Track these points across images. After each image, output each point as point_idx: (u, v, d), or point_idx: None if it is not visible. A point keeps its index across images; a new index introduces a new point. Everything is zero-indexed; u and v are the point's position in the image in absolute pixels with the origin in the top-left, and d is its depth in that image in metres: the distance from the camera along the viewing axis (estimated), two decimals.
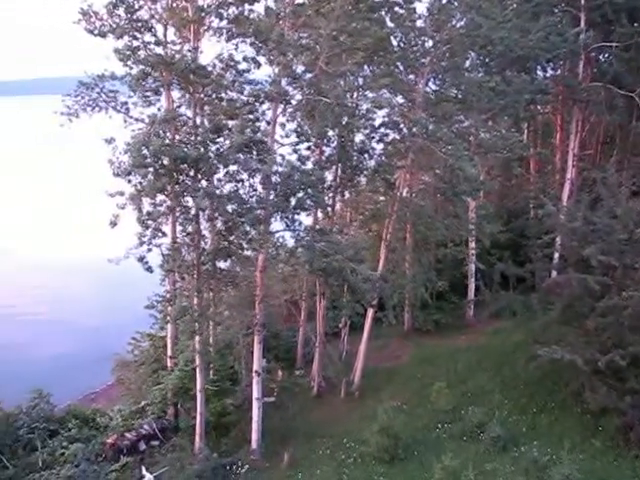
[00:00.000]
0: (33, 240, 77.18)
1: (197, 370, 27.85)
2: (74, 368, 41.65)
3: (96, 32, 25.07)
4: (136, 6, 25.06)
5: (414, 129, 29.94)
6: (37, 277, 63.41)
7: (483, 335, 38.72)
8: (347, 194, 35.81)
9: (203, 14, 25.41)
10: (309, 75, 27.71)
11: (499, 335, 37.81)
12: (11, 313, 54.14)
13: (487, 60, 35.67)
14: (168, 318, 28.48)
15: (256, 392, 28.08)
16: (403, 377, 34.81)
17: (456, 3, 31.14)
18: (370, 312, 33.16)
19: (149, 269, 24.18)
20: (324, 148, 32.40)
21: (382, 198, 36.82)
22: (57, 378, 37.96)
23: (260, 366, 28.21)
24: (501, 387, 31.33)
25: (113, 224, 23.23)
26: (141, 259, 23.81)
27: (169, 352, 31.30)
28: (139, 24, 24.82)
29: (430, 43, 31.35)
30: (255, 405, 28.08)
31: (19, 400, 31.62)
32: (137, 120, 25.25)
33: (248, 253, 26.38)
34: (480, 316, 41.00)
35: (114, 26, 24.76)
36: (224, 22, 26.07)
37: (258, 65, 26.40)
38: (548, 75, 42.01)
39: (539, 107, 44.53)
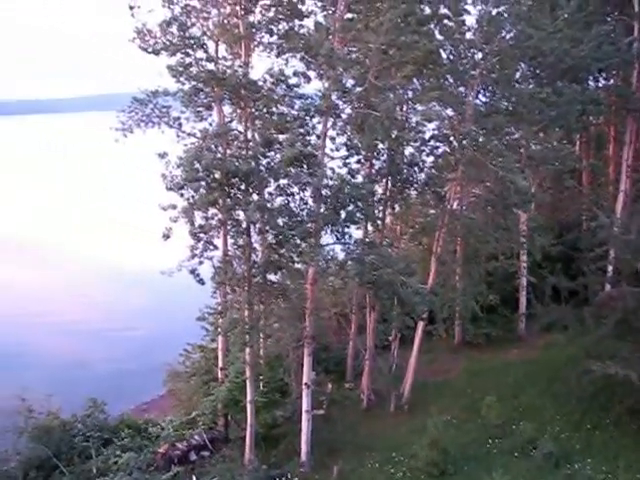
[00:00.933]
0: (90, 250, 79.62)
1: (247, 382, 28.02)
2: (127, 378, 42.51)
3: (150, 50, 25.62)
4: (189, 24, 25.55)
5: (464, 142, 29.78)
6: (93, 288, 65.25)
7: (534, 349, 38.19)
8: (397, 207, 35.71)
9: (254, 30, 25.83)
10: (359, 89, 27.75)
11: (551, 349, 37.23)
12: (66, 321, 55.58)
13: (538, 71, 35.25)
14: (219, 330, 28.74)
15: (306, 404, 28.12)
16: (453, 391, 34.49)
17: (506, 14, 30.93)
18: (420, 325, 32.97)
19: (201, 281, 24.51)
20: (374, 161, 32.43)
21: (432, 211, 36.64)
22: (111, 387, 38.77)
23: (310, 378, 28.25)
24: (553, 402, 30.82)
25: (166, 237, 23.65)
26: (193, 271, 24.17)
27: (220, 364, 31.57)
28: (191, 41, 25.22)
29: (480, 55, 31.18)
30: (304, 417, 28.11)
31: (75, 408, 32.37)
32: (189, 135, 25.65)
33: (298, 266, 26.51)
34: (531, 330, 40.39)
35: (167, 44, 25.24)
36: (274, 38, 26.53)
37: (308, 79, 26.69)
38: (600, 85, 41.45)
39: (591, 118, 43.84)
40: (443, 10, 30.03)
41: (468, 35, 30.97)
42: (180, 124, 25.65)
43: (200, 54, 25.37)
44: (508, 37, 31.06)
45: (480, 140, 29.85)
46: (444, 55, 31.25)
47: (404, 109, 32.42)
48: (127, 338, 50.96)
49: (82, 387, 38.14)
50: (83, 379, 42.26)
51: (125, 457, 29.36)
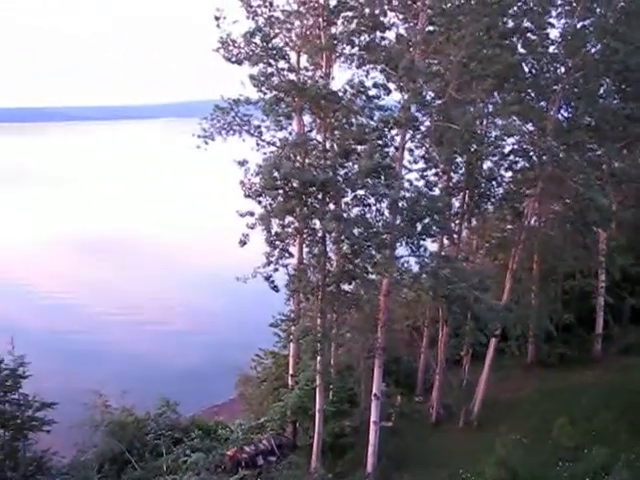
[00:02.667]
0: (170, 253, 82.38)
1: (317, 390, 28.20)
2: (200, 380, 43.45)
3: (233, 59, 26.15)
4: (272, 34, 25.94)
5: (544, 157, 29.33)
6: (177, 290, 67.52)
7: (610, 371, 37.02)
8: (474, 221, 35.33)
9: (335, 42, 25.99)
10: (438, 102, 27.73)
11: (628, 372, 36.02)
12: (147, 321, 57.88)
13: (623, 86, 34.35)
14: (291, 337, 29.03)
15: (374, 416, 28.05)
16: (524, 410, 33.76)
17: (591, 28, 30.29)
18: (493, 342, 32.51)
19: (275, 288, 24.85)
20: (452, 174, 32.21)
21: (509, 226, 36.13)
22: (184, 388, 39.72)
23: (379, 390, 28.18)
24: (628, 428, 29.70)
25: (242, 243, 24.08)
26: (268, 278, 24.52)
27: (290, 370, 31.90)
28: (274, 52, 25.57)
29: (563, 69, 30.69)
30: (372, 429, 28.03)
31: (148, 406, 33.31)
32: (269, 143, 26.02)
33: (372, 277, 26.47)
34: (608, 352, 39.34)
35: (250, 54, 25.71)
36: (355, 49, 26.58)
37: (388, 91, 26.59)
38: None
39: None
40: (526, 23, 29.55)
41: (551, 49, 30.47)
42: (260, 132, 26.00)
43: (282, 64, 25.72)
44: (593, 51, 30.42)
45: (561, 156, 29.27)
46: (526, 69, 30.75)
47: (484, 123, 32.06)
48: (203, 341, 52.24)
49: (156, 386, 39.25)
50: (158, 378, 43.58)
51: (194, 457, 30.02)
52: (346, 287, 27.17)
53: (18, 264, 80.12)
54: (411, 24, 28.55)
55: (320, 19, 25.77)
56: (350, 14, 25.82)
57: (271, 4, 25.69)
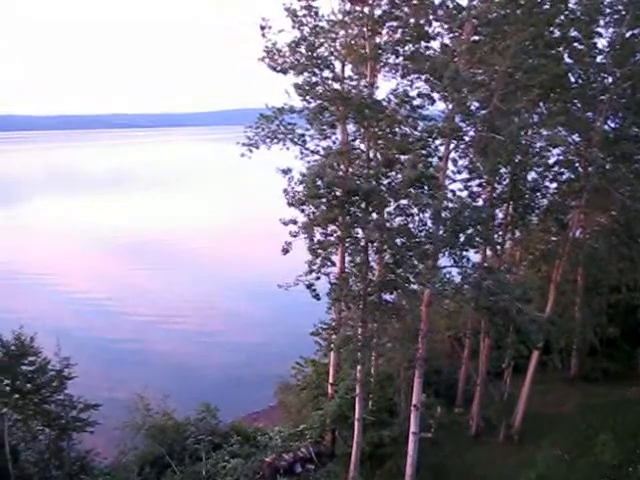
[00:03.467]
0: (218, 258, 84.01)
1: (357, 399, 28.16)
2: (241, 386, 43.74)
3: (279, 69, 26.34)
4: (316, 44, 26.08)
5: (590, 168, 28.92)
6: (217, 296, 68.38)
7: None
8: (517, 232, 34.93)
9: (380, 51, 26.03)
10: (483, 112, 27.53)
11: None
12: (191, 327, 58.72)
13: None
14: (332, 346, 29.03)
15: (413, 426, 27.90)
16: (566, 425, 33.30)
17: None
18: (535, 355, 32.13)
19: (317, 297, 24.87)
20: (496, 185, 31.85)
21: (553, 238, 35.58)
22: (224, 394, 40.08)
23: (419, 400, 28.01)
24: None
25: (285, 251, 24.23)
26: (309, 286, 24.57)
27: (330, 379, 31.89)
28: (319, 61, 25.71)
29: (610, 79, 30.22)
30: (411, 439, 27.88)
31: (188, 411, 33.64)
32: (313, 152, 26.14)
33: (414, 287, 26.35)
34: None
35: (295, 63, 25.88)
36: (400, 59, 26.60)
37: (432, 101, 26.52)
38: None
39: None
40: (573, 33, 29.26)
41: (599, 58, 30.08)
42: (304, 141, 26.12)
43: (327, 73, 25.82)
44: None
45: (607, 167, 28.83)
46: (572, 79, 30.45)
47: (529, 133, 31.69)
48: (245, 347, 52.67)
49: (197, 391, 39.79)
50: (198, 383, 44.09)
51: (233, 463, 30.23)
52: (387, 297, 27.11)
53: (68, 267, 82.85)
54: (456, 34, 28.39)
55: (365, 29, 25.80)
56: (395, 24, 25.88)
57: (316, 14, 25.73)
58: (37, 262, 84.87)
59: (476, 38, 28.31)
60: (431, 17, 26.50)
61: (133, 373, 45.09)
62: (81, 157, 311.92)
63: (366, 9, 25.14)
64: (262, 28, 25.65)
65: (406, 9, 25.53)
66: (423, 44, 26.33)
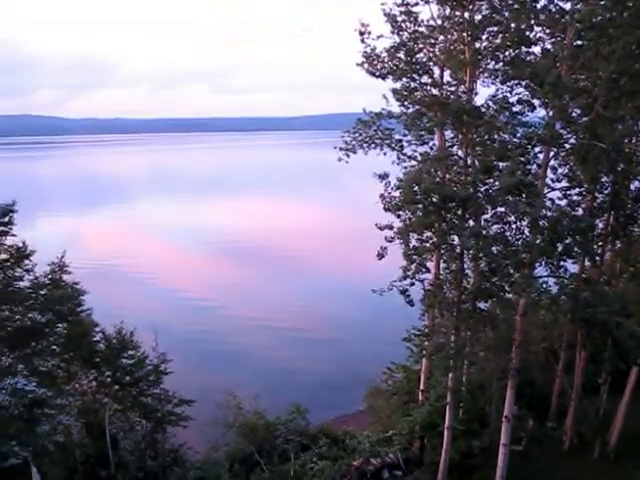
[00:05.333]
0: (313, 260, 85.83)
1: (447, 407, 27.88)
2: (330, 388, 44.14)
3: (377, 74, 26.46)
4: (416, 49, 26.11)
5: None
6: (311, 298, 69.60)
7: None
8: (618, 243, 33.75)
9: (480, 57, 25.71)
10: (585, 119, 26.82)
11: None
12: (284, 328, 59.62)
13: None
14: (424, 352, 28.90)
15: (504, 438, 27.41)
16: None
17: None
18: (634, 371, 30.92)
19: (410, 303, 24.86)
20: (596, 194, 30.97)
21: None
22: (314, 396, 40.47)
23: (511, 412, 27.49)
24: None
25: (380, 256, 24.32)
26: (403, 292, 24.54)
27: (421, 386, 31.73)
28: (417, 66, 25.74)
29: None
30: (501, 451, 27.42)
31: (278, 411, 34.19)
32: (410, 158, 26.14)
33: (509, 296, 25.93)
34: None
35: (394, 68, 25.96)
36: (500, 64, 26.19)
37: (532, 108, 26.07)
38: None
39: None
40: None
41: None
42: (402, 147, 26.15)
43: (425, 79, 25.87)
44: None
45: None
46: None
47: (633, 141, 30.66)
48: (337, 350, 53.20)
49: (287, 391, 40.39)
50: (290, 384, 44.74)
51: (321, 465, 30.47)
52: (482, 305, 26.76)
53: (170, 265, 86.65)
54: (558, 38, 27.80)
55: (465, 34, 25.54)
56: (495, 29, 25.47)
57: (416, 19, 25.72)
58: (142, 259, 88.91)
59: (579, 42, 27.61)
60: (532, 21, 26.01)
61: (226, 371, 46.24)
62: (182, 159, 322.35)
63: (466, 14, 24.89)
64: (361, 34, 25.83)
65: (507, 14, 25.05)
66: (524, 49, 25.77)
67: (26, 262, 28.38)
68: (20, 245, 28.14)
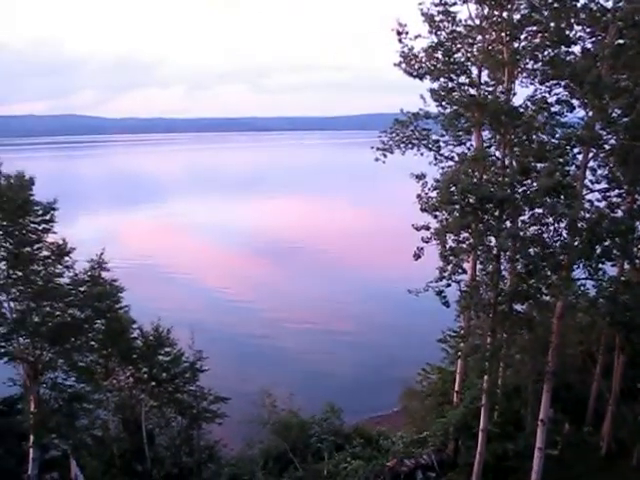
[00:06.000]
0: (350, 261, 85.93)
1: (482, 409, 27.70)
2: (364, 389, 44.20)
3: (415, 74, 26.39)
4: (454, 49, 26.00)
5: None
6: (347, 299, 69.53)
7: None
8: None
9: (518, 57, 25.52)
10: (625, 119, 26.44)
11: None
12: (320, 328, 60.00)
13: None
14: (459, 354, 28.74)
15: (539, 442, 27.16)
16: None
17: None
18: None
19: (446, 304, 24.75)
20: (636, 196, 30.50)
21: None
22: (348, 396, 40.51)
23: (546, 415, 27.26)
24: None
25: (417, 256, 24.28)
26: (439, 293, 24.48)
27: (456, 387, 31.55)
28: (455, 66, 25.63)
29: None
30: (537, 455, 27.15)
31: (312, 410, 34.31)
32: (447, 158, 26.06)
33: (547, 298, 25.71)
34: None
35: (432, 68, 25.87)
36: (539, 64, 25.96)
37: (572, 108, 25.81)
38: None
39: None
40: None
41: None
42: (439, 147, 26.12)
43: (463, 79, 25.69)
44: None
45: None
46: None
47: None
48: (371, 351, 53.18)
49: (322, 391, 40.50)
50: (324, 384, 44.95)
51: (354, 465, 30.48)
52: (518, 307, 26.55)
53: (206, 263, 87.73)
54: (599, 37, 27.45)
55: (503, 34, 25.38)
56: (534, 28, 25.27)
57: (454, 19, 25.64)
58: (180, 258, 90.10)
59: (621, 41, 27.21)
60: (572, 20, 25.71)
61: (261, 370, 46.61)
62: (220, 159, 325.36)
63: (505, 13, 24.73)
64: (398, 33, 25.81)
65: (546, 13, 24.81)
66: (563, 48, 25.55)
67: (66, 259, 28.76)
68: (61, 242, 28.57)
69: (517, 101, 25.32)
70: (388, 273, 72.22)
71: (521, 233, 24.45)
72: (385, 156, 26.51)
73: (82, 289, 29.18)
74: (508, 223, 24.63)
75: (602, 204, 26.91)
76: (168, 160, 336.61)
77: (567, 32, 25.47)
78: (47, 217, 28.22)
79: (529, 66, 26.25)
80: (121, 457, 31.69)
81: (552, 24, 24.89)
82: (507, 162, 25.31)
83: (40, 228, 28.18)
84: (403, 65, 26.61)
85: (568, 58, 25.74)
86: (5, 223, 27.53)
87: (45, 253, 28.44)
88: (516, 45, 25.46)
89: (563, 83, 26.09)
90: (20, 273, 27.87)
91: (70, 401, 29.12)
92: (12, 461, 21.22)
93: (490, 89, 26.64)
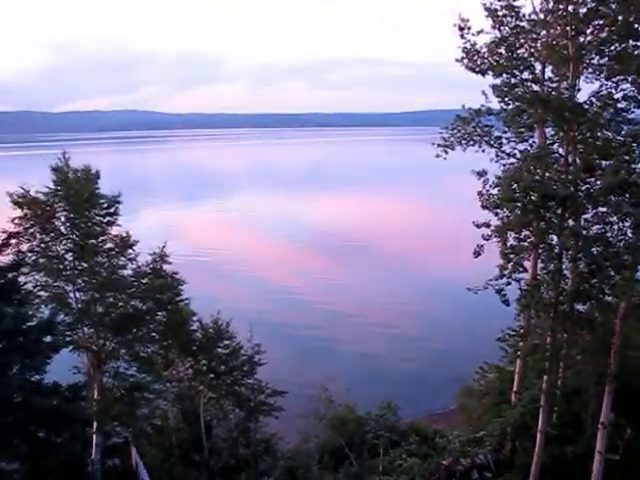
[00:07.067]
0: (410, 257, 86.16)
1: (541, 410, 27.26)
2: (420, 386, 44.08)
3: (477, 70, 26.09)
4: (517, 44, 25.63)
5: None
6: (405, 295, 69.48)
7: None
8: None
9: (583, 52, 25.01)
10: None
11: None
12: (379, 325, 59.86)
13: None
14: (518, 353, 28.37)
15: (599, 445, 26.58)
16: None
17: None
18: None
19: (506, 302, 24.50)
20: None
21: None
22: (404, 392, 40.38)
23: (607, 419, 26.64)
24: None
25: (477, 254, 24.07)
26: (499, 291, 24.22)
27: (514, 387, 31.11)
28: (518, 62, 25.25)
29: None
30: (597, 459, 26.59)
31: (368, 406, 34.37)
32: (509, 155, 25.71)
33: (609, 299, 25.17)
34: None
35: (494, 64, 25.55)
36: (605, 59, 25.41)
37: (639, 104, 25.18)
38: None
39: None
40: None
41: None
42: (501, 144, 25.75)
43: (526, 75, 25.30)
44: None
45: None
46: None
47: None
48: (429, 348, 52.97)
49: (378, 387, 40.53)
50: (381, 380, 44.93)
51: (410, 462, 30.42)
52: (580, 307, 26.06)
53: (267, 258, 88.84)
54: None
55: (568, 28, 24.89)
56: (601, 22, 24.70)
57: (517, 13, 25.25)
58: (239, 252, 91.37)
59: None
60: None
61: (318, 364, 46.95)
62: (282, 154, 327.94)
63: (570, 7, 24.25)
64: (460, 29, 25.56)
65: (614, 6, 24.23)
66: (631, 43, 24.84)
67: (129, 251, 29.41)
68: (124, 235, 29.24)
69: (582, 97, 24.81)
70: (447, 271, 71.79)
71: (584, 232, 23.95)
72: (446, 152, 26.26)
73: (144, 281, 29.77)
74: (571, 221, 24.14)
75: None
76: (230, 155, 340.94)
77: (636, 25, 24.82)
78: (112, 210, 28.88)
79: (595, 61, 25.65)
80: (179, 447, 32.34)
81: (620, 17, 24.31)
82: (570, 159, 24.82)
83: (105, 221, 28.85)
84: (465, 61, 26.24)
85: (636, 52, 25.05)
86: (72, 216, 28.34)
87: (109, 245, 29.12)
88: (582, 40, 24.92)
89: (630, 78, 25.32)
90: (85, 264, 28.59)
91: (131, 390, 29.77)
92: (78, 446, 21.94)
93: (554, 85, 26.05)
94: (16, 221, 27.71)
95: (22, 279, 23.48)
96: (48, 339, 20.93)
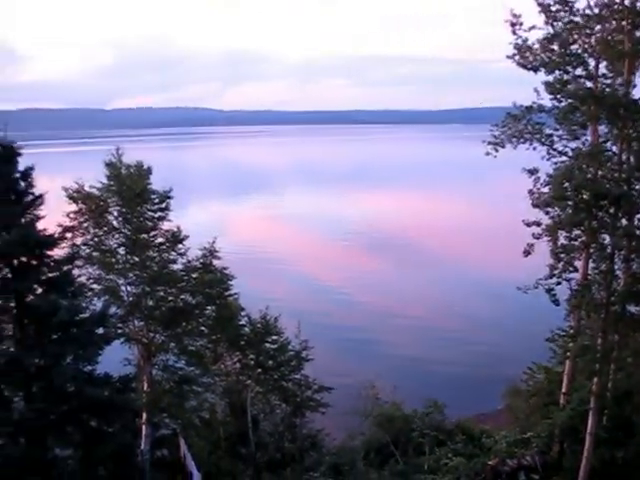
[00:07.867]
0: (455, 256, 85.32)
1: (590, 413, 26.78)
2: (467, 385, 43.73)
3: (529, 66, 25.76)
4: (570, 40, 25.23)
5: None
6: (451, 294, 69.12)
7: None
8: None
9: None
10: None
11: None
12: (423, 324, 59.80)
13: None
14: (568, 354, 27.95)
15: None
16: None
17: None
18: None
19: (556, 302, 24.21)
20: None
21: None
22: (451, 392, 40.09)
23: None
24: None
25: (527, 253, 23.81)
26: (549, 291, 23.95)
27: (563, 388, 30.62)
28: (572, 58, 24.88)
29: None
30: None
31: (415, 404, 34.30)
32: (560, 153, 25.33)
33: None
34: None
35: (547, 60, 25.20)
36: None
37: None
38: None
39: None
40: None
41: None
42: (552, 141, 25.38)
43: (579, 71, 24.91)
44: None
45: None
46: None
47: None
48: (476, 347, 52.59)
49: (425, 386, 40.35)
50: (427, 378, 44.80)
51: (455, 461, 30.17)
52: (632, 308, 25.58)
53: (313, 256, 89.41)
54: None
55: (624, 22, 24.42)
56: None
57: (571, 8, 24.85)
58: (285, 248, 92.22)
59: None
60: None
61: (364, 362, 46.76)
62: (324, 151, 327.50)
63: (627, 1, 23.77)
64: (512, 25, 25.27)
65: None
66: None
67: (180, 246, 29.90)
68: (175, 230, 29.71)
69: (637, 94, 24.33)
70: (495, 270, 71.02)
71: (637, 232, 23.57)
72: (497, 150, 26.01)
73: (194, 276, 30.21)
74: (624, 221, 23.77)
75: None
76: (274, 152, 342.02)
77: None
78: (163, 205, 29.43)
79: None
80: (226, 440, 32.74)
81: None
82: (624, 157, 24.34)
83: (156, 216, 29.44)
84: (517, 57, 25.99)
85: None
86: (124, 210, 28.97)
87: (160, 240, 29.67)
88: (638, 34, 24.44)
89: None
90: (137, 258, 29.20)
91: (180, 383, 30.24)
92: (128, 436, 22.44)
93: (608, 81, 25.59)
94: (71, 215, 28.50)
95: (76, 272, 23.95)
96: (100, 331, 21.35)
